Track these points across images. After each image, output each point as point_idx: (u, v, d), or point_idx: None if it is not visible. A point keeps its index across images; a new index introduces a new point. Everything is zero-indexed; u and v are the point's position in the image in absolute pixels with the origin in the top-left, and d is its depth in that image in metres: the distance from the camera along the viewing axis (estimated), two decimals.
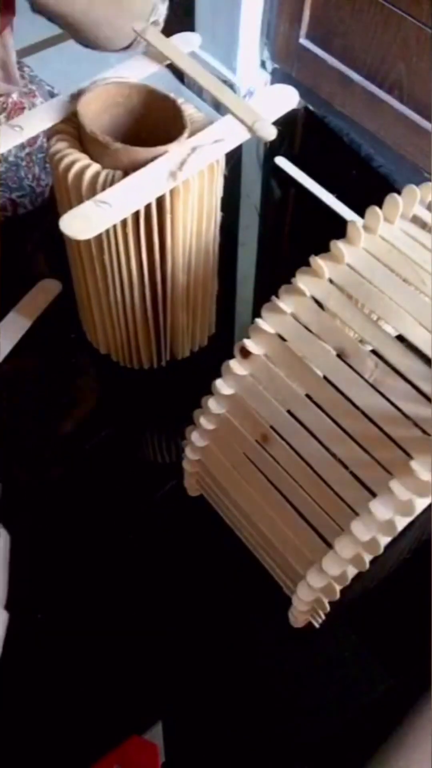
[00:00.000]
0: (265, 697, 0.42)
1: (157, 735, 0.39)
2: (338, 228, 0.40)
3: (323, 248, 0.39)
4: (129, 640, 0.43)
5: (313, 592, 0.37)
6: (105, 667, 0.42)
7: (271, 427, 0.38)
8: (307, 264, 0.39)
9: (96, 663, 0.42)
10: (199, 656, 0.43)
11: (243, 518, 0.41)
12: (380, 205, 0.40)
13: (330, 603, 0.38)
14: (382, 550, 0.35)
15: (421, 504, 0.36)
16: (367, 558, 0.35)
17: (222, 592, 0.45)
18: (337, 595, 0.37)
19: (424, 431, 0.34)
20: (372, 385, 0.35)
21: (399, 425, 0.34)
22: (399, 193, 0.40)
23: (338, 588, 0.37)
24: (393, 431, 0.34)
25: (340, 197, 0.66)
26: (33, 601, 0.44)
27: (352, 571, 0.37)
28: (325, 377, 0.36)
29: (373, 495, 0.34)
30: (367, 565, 0.36)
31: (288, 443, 0.37)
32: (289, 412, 0.37)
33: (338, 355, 0.37)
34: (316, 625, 0.42)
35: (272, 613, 0.43)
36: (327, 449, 0.36)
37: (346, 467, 0.35)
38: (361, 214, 0.40)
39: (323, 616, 0.40)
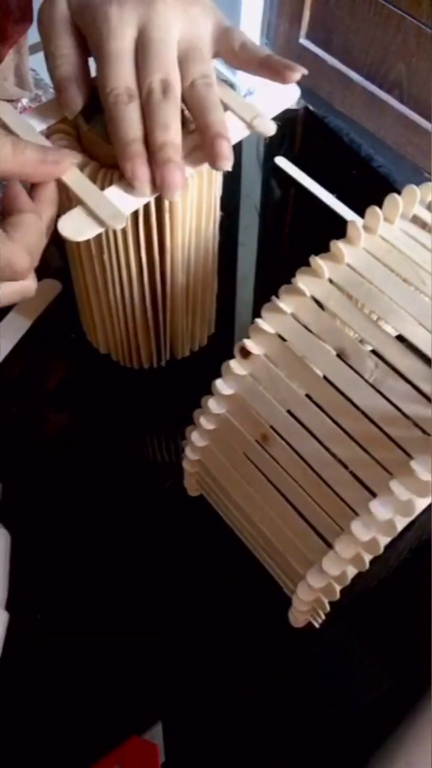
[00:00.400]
0: (265, 697, 0.42)
1: (157, 735, 0.39)
2: (338, 228, 0.40)
3: (323, 248, 0.39)
4: (129, 640, 0.43)
5: (313, 592, 0.37)
6: (105, 667, 0.42)
7: (271, 427, 0.38)
8: (307, 264, 0.39)
9: (96, 663, 0.42)
10: (199, 656, 0.43)
11: (243, 518, 0.41)
12: (380, 205, 0.40)
13: (330, 603, 0.38)
14: (382, 550, 0.35)
15: (421, 504, 0.36)
16: (367, 558, 0.35)
17: (222, 592, 0.45)
18: (337, 595, 0.37)
19: (424, 431, 0.34)
20: (372, 385, 0.35)
21: (399, 425, 0.34)
22: (399, 193, 0.40)
23: (338, 588, 0.37)
24: (393, 431, 0.34)
25: (340, 197, 0.66)
26: (33, 601, 0.44)
27: (352, 571, 0.37)
28: (325, 377, 0.37)
29: (373, 495, 0.34)
30: (367, 565, 0.36)
31: (288, 443, 0.37)
32: (289, 412, 0.37)
33: (338, 355, 0.37)
34: (316, 625, 0.42)
35: (272, 613, 0.43)
36: (327, 449, 0.36)
37: (346, 467, 0.35)
38: (361, 214, 0.40)
39: (323, 616, 0.40)
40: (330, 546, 0.35)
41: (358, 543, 0.34)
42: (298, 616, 0.40)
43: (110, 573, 0.46)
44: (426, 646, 0.42)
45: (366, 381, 0.35)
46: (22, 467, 0.50)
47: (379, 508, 0.33)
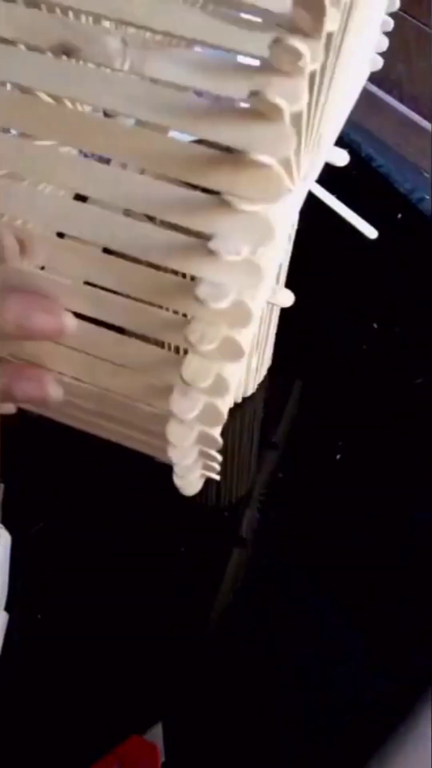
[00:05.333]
0: (264, 696, 0.42)
1: (157, 735, 0.39)
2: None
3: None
4: (129, 640, 0.43)
5: (186, 427, 0.27)
6: (105, 666, 0.42)
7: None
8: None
9: (96, 663, 0.42)
10: (199, 656, 0.43)
11: (89, 400, 0.31)
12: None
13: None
14: (245, 351, 0.25)
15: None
16: (230, 371, 0.26)
17: (222, 592, 0.45)
18: (219, 442, 0.29)
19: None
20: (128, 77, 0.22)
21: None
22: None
23: (218, 417, 0.27)
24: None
25: (340, 197, 0.66)
26: (33, 601, 0.44)
27: (220, 402, 0.27)
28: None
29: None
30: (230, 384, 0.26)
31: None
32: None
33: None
34: (216, 478, 0.34)
35: (272, 613, 0.43)
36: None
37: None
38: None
39: (218, 468, 0.33)
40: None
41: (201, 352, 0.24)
42: (184, 475, 0.32)
43: (110, 573, 0.45)
44: (426, 646, 0.42)
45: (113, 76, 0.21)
46: (22, 467, 0.50)
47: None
